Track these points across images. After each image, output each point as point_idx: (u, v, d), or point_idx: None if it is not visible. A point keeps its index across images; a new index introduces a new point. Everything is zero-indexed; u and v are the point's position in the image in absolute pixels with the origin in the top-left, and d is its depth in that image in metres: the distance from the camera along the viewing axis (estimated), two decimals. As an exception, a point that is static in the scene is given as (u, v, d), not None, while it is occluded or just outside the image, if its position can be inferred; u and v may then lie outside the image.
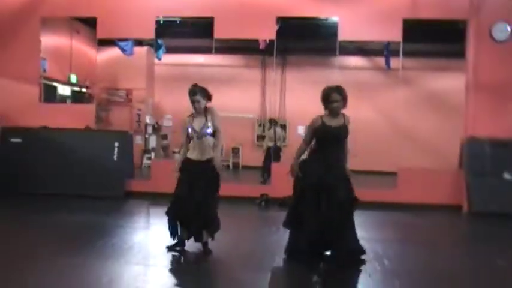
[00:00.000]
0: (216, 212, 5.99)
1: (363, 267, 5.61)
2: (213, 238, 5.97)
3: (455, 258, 6.58)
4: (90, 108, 11.73)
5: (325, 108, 5.79)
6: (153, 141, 15.65)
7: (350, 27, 10.37)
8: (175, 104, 11.81)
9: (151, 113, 15.84)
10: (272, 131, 13.49)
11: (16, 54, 10.87)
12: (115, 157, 10.34)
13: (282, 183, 9.94)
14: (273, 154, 12.64)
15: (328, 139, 5.78)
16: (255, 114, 16.47)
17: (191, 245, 6.04)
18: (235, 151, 16.80)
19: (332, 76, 12.29)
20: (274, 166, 10.82)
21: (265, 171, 12.20)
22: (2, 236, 6.85)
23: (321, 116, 5.78)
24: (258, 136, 16.90)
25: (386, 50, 13.24)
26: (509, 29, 9.79)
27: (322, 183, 5.63)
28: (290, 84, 16.44)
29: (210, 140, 5.91)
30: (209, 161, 5.88)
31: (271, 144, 13.09)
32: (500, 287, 5.32)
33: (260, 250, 6.22)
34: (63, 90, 13.63)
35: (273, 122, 13.99)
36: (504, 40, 9.81)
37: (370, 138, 15.40)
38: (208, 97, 6.03)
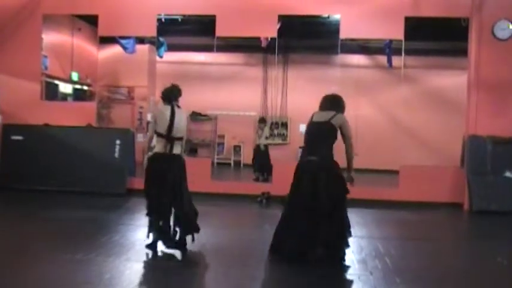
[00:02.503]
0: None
1: (364, 265, 5.62)
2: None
3: (456, 255, 6.60)
4: (91, 106, 11.73)
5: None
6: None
7: (352, 25, 10.37)
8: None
9: (153, 110, 15.83)
10: (266, 129, 13.42)
11: (18, 52, 10.87)
12: (116, 155, 10.36)
13: (283, 181, 9.99)
14: (261, 152, 12.75)
15: None
16: (257, 113, 16.44)
17: (191, 244, 6.07)
18: (237, 149, 16.79)
19: (334, 74, 12.30)
20: (276, 164, 10.84)
21: (265, 170, 12.27)
22: (3, 232, 6.87)
23: None
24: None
25: (388, 48, 13.20)
26: (511, 27, 9.77)
27: None
28: (292, 83, 16.41)
29: None
30: None
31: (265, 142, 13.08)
32: (500, 284, 5.33)
33: (260, 247, 6.19)
34: (65, 87, 13.60)
35: (263, 121, 13.83)
36: (506, 38, 9.79)
37: (371, 137, 15.37)
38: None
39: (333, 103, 5.90)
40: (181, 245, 5.99)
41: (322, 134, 5.75)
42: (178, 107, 6.11)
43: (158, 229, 5.97)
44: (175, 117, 5.96)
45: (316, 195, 5.56)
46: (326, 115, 5.77)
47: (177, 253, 5.92)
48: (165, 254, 5.88)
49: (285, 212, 5.88)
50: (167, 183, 5.92)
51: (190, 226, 6.03)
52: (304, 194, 5.63)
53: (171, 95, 6.09)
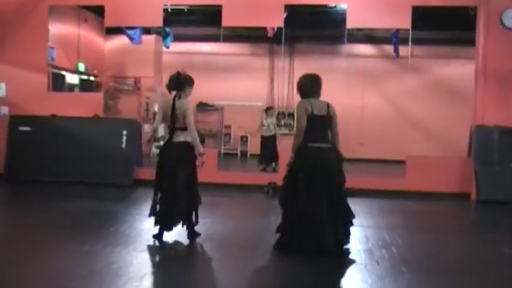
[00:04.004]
0: None
1: (370, 255, 5.63)
2: None
3: (463, 246, 6.58)
4: (98, 97, 11.77)
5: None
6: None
7: (358, 15, 10.31)
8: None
9: (160, 101, 15.82)
10: (270, 120, 13.30)
11: (24, 43, 10.88)
12: (123, 145, 10.38)
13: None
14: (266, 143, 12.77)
15: None
16: (263, 103, 16.44)
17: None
18: (244, 139, 16.81)
19: (340, 64, 12.27)
20: (283, 154, 10.84)
21: (274, 160, 12.31)
22: (11, 223, 6.92)
23: None
24: (266, 125, 16.86)
25: (395, 38, 13.16)
26: (520, 15, 9.68)
27: None
28: (298, 73, 16.11)
29: None
30: None
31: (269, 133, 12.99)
32: (507, 275, 5.32)
33: (266, 237, 6.20)
34: (72, 78, 13.65)
35: (270, 109, 13.70)
36: (514, 27, 9.72)
37: (378, 127, 15.37)
38: None
39: (318, 84, 5.99)
40: (189, 234, 6.04)
41: (326, 126, 5.80)
42: (179, 97, 6.07)
43: (161, 215, 6.05)
44: (175, 108, 6.02)
45: (334, 182, 5.60)
46: (323, 106, 5.78)
47: (185, 241, 5.97)
48: (171, 244, 5.90)
49: (299, 206, 5.73)
50: (167, 170, 6.00)
51: (178, 216, 6.01)
52: (319, 182, 5.58)
53: (173, 85, 6.12)
